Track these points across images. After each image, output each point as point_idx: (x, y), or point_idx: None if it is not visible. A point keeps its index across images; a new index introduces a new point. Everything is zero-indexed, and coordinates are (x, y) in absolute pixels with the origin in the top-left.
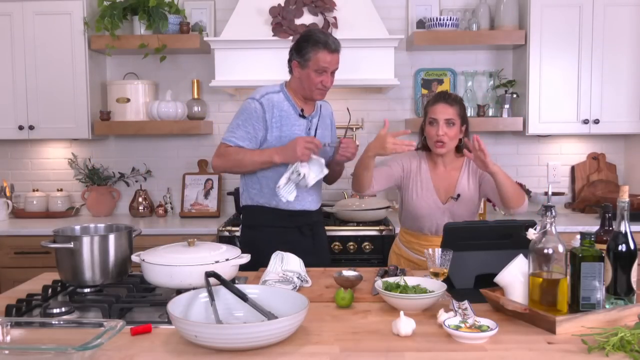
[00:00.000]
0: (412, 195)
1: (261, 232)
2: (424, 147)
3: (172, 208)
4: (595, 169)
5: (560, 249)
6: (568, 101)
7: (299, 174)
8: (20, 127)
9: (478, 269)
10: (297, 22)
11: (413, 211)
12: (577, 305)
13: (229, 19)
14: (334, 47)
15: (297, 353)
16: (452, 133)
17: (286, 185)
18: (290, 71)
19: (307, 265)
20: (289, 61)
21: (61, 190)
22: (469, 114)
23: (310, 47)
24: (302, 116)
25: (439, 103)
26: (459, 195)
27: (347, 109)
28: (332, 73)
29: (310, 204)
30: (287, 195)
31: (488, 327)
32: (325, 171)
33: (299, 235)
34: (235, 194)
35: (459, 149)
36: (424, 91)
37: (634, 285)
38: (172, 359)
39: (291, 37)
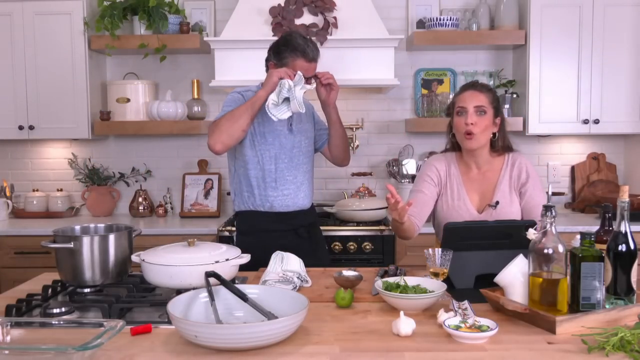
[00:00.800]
0: (443, 205)
1: (257, 237)
2: (453, 146)
3: (172, 208)
4: (595, 169)
5: (560, 249)
6: (568, 101)
7: (286, 88)
8: (20, 127)
9: (478, 269)
10: (297, 22)
11: (440, 223)
12: (577, 305)
13: (229, 19)
14: (311, 56)
15: (297, 353)
16: (483, 123)
17: (276, 107)
18: (267, 71)
19: (307, 267)
20: (266, 60)
21: (61, 190)
22: None
23: (289, 52)
24: None
25: (467, 90)
26: (497, 203)
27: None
28: (308, 80)
29: (303, 200)
30: (278, 114)
31: (488, 327)
32: (312, 85)
33: (296, 238)
34: None
35: (494, 146)
36: (424, 91)
37: (634, 285)
38: (172, 359)
39: None
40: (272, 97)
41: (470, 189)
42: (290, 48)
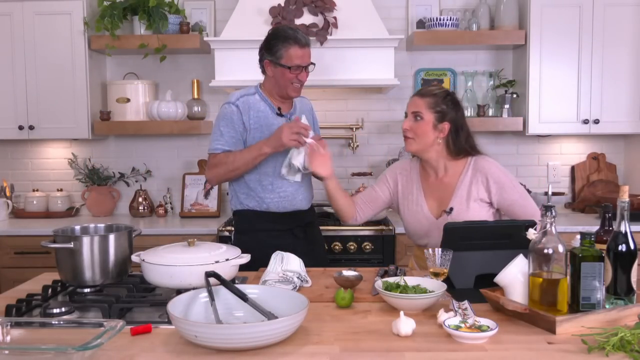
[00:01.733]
0: (404, 210)
1: (254, 237)
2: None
3: (172, 208)
4: (595, 169)
5: (560, 249)
6: (568, 101)
7: (296, 166)
8: (20, 127)
9: (478, 269)
10: (297, 22)
11: (406, 227)
12: (577, 305)
13: (229, 19)
14: (304, 42)
15: (297, 353)
16: (418, 128)
17: (289, 173)
18: (263, 71)
19: (305, 267)
20: (260, 61)
21: (61, 190)
22: (469, 114)
23: (281, 43)
24: (280, 114)
25: (412, 97)
26: (451, 209)
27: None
28: (306, 68)
29: (301, 202)
30: (292, 178)
31: (488, 327)
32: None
33: (292, 237)
34: None
35: (457, 153)
36: None
37: (634, 285)
38: (172, 359)
39: None
40: (284, 169)
41: (428, 195)
42: (281, 39)
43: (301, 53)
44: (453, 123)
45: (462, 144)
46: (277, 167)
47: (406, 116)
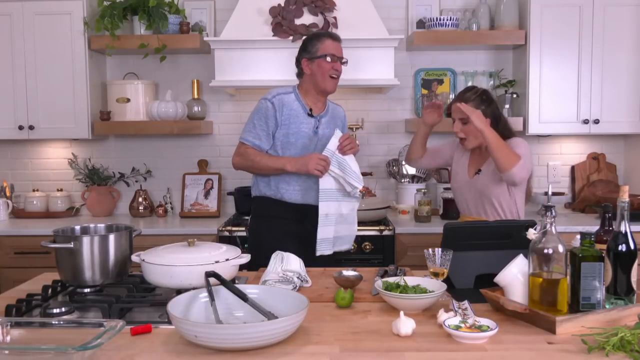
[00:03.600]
0: (453, 172)
1: (267, 222)
2: None
3: (172, 208)
4: (595, 169)
5: (560, 249)
6: (568, 101)
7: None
8: (20, 127)
9: (478, 269)
10: (297, 22)
11: (452, 187)
12: (577, 305)
13: (229, 19)
14: (336, 37)
15: (297, 353)
16: (468, 130)
17: (352, 187)
18: (299, 74)
19: (307, 255)
20: (298, 64)
21: (61, 190)
22: None
23: (316, 40)
24: (310, 115)
25: (454, 104)
26: (479, 170)
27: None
28: (341, 60)
29: (313, 198)
30: (357, 188)
31: (488, 327)
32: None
33: (301, 226)
34: (235, 194)
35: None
36: (424, 91)
37: (634, 285)
38: (172, 359)
39: (291, 37)
40: (347, 186)
41: (471, 162)
42: (315, 38)
43: (335, 45)
44: (492, 117)
45: (501, 131)
46: None
47: (454, 121)
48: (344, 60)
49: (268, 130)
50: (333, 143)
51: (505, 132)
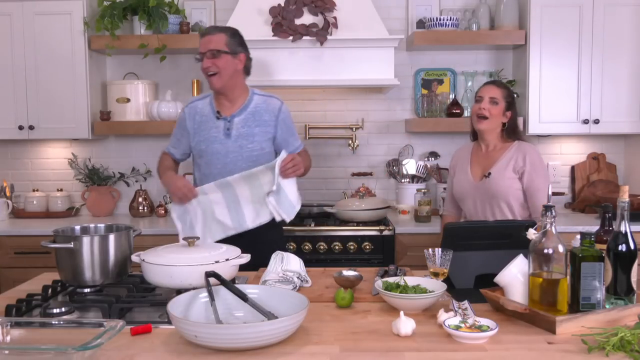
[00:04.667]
0: (454, 178)
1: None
2: (474, 136)
3: None
4: (595, 169)
5: (560, 249)
6: (568, 101)
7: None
8: (20, 127)
9: (478, 269)
10: (297, 22)
11: (455, 194)
12: (577, 305)
13: (229, 19)
14: (203, 31)
15: (297, 353)
16: (494, 110)
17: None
18: (246, 71)
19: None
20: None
21: (61, 190)
22: (468, 114)
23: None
24: (218, 117)
25: (487, 85)
26: (489, 174)
27: None
28: (212, 54)
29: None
30: (290, 212)
31: (488, 327)
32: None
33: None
34: None
35: (504, 134)
36: (424, 91)
37: (634, 285)
38: (172, 359)
39: (291, 37)
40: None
41: (474, 164)
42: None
43: (201, 41)
44: (514, 113)
45: (514, 131)
46: (212, 169)
47: (479, 100)
48: (208, 53)
49: (181, 139)
50: (277, 164)
51: (517, 132)
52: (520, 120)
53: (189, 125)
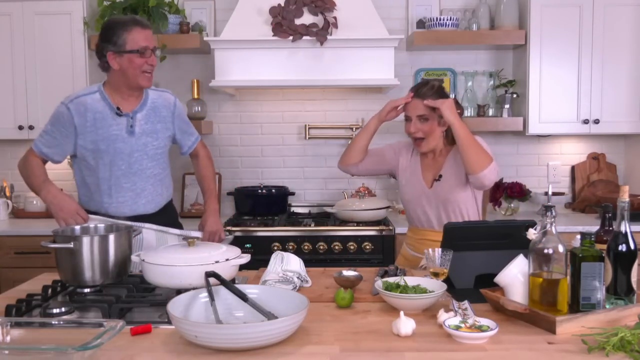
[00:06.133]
0: (402, 179)
1: None
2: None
3: None
4: (595, 169)
5: (560, 249)
6: (568, 101)
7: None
8: (20, 127)
9: (478, 269)
10: (297, 22)
11: (404, 199)
12: (577, 305)
13: (229, 19)
14: (145, 23)
15: (297, 353)
16: (426, 128)
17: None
18: (105, 68)
19: None
20: (100, 57)
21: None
22: (468, 114)
23: (121, 30)
24: (119, 114)
25: (413, 101)
26: (440, 176)
27: None
28: (154, 51)
29: (144, 207)
30: None
31: (488, 327)
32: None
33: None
34: (235, 193)
35: (453, 140)
36: None
37: (634, 285)
38: (172, 359)
39: (291, 37)
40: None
41: (425, 169)
42: (119, 26)
43: (144, 34)
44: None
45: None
46: (115, 170)
47: (408, 119)
48: (157, 52)
49: (59, 138)
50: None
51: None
52: (519, 120)
53: (77, 123)
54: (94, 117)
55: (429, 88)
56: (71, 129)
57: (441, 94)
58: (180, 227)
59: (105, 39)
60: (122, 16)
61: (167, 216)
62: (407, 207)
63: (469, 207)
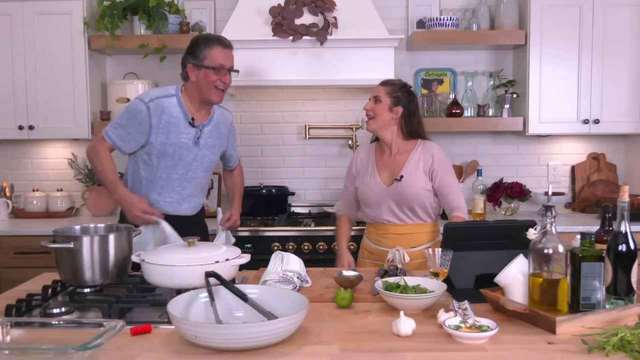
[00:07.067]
0: (359, 183)
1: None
2: (376, 138)
3: None
4: (595, 169)
5: (560, 249)
6: (568, 101)
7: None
8: (20, 127)
9: (478, 269)
10: (297, 22)
11: (362, 199)
12: (577, 305)
13: (229, 19)
14: (227, 43)
15: (297, 353)
16: (377, 109)
17: None
18: (185, 77)
19: None
20: (183, 67)
21: (61, 190)
22: (468, 114)
23: (203, 46)
24: (192, 125)
25: (377, 86)
26: (401, 177)
27: None
28: (230, 71)
29: (185, 210)
30: None
31: (488, 327)
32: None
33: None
34: None
35: (409, 135)
36: (424, 91)
37: (634, 285)
38: (172, 359)
39: (291, 37)
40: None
41: (381, 168)
42: (203, 42)
43: (224, 54)
44: (405, 108)
45: (413, 128)
46: (173, 174)
47: (369, 101)
48: (234, 70)
49: (134, 134)
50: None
51: (418, 130)
52: (519, 120)
53: (153, 122)
54: (169, 120)
55: (398, 80)
56: (147, 127)
57: (408, 90)
58: (205, 226)
59: (189, 51)
60: (209, 34)
61: (197, 216)
62: (368, 206)
63: (428, 206)
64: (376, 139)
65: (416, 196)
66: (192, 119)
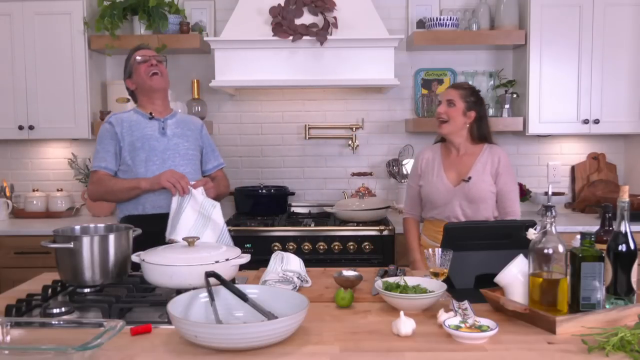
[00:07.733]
0: (425, 183)
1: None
2: (442, 138)
3: None
4: (595, 169)
5: (560, 249)
6: (568, 101)
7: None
8: (20, 127)
9: (478, 269)
10: (297, 22)
11: (426, 198)
12: (577, 305)
13: (229, 19)
14: (144, 46)
15: (297, 353)
16: (451, 112)
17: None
18: (132, 94)
19: None
20: (127, 90)
21: (61, 190)
22: None
23: (127, 61)
24: (152, 117)
25: (447, 89)
26: (469, 178)
27: None
28: (155, 58)
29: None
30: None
31: (488, 327)
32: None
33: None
34: (236, 194)
35: (478, 139)
36: (424, 91)
37: (634, 285)
38: (172, 359)
39: (291, 37)
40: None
41: (448, 168)
42: (126, 60)
43: (143, 52)
44: (478, 113)
45: (483, 132)
46: (150, 165)
47: (438, 103)
48: (159, 59)
49: (111, 150)
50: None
51: (485, 134)
52: (519, 120)
53: (118, 130)
54: (130, 124)
55: (467, 84)
56: (115, 136)
57: (476, 93)
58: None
59: (124, 74)
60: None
61: None
62: (433, 206)
63: (492, 207)
64: (441, 139)
65: (482, 198)
66: (150, 113)
